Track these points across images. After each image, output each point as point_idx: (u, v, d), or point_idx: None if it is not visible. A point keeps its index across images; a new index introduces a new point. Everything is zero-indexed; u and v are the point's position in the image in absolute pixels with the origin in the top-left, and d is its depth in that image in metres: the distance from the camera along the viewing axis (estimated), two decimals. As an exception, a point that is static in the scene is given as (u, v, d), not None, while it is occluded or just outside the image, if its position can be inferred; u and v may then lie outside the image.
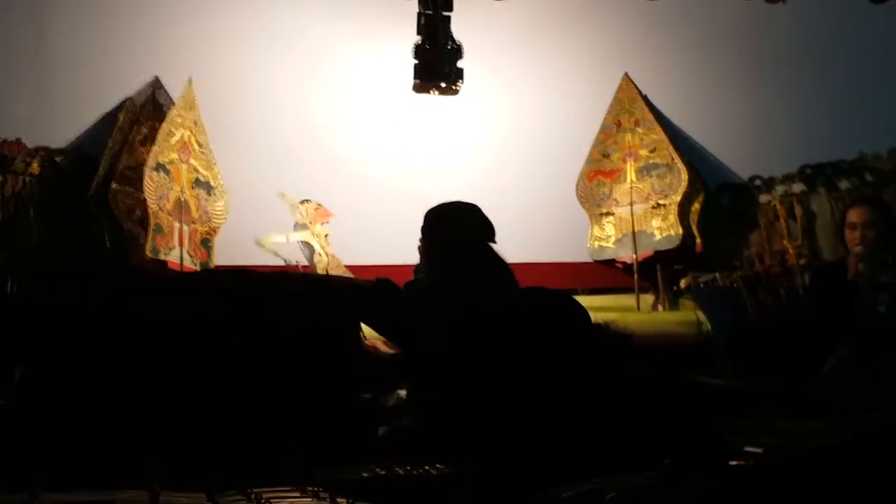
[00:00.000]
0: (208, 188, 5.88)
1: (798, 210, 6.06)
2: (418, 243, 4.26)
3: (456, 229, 3.92)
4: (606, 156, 6.28)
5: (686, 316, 5.84)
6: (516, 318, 2.79)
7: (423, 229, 4.01)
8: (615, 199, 6.21)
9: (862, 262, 4.45)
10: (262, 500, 2.14)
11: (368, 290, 3.90)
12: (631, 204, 6.12)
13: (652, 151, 6.17)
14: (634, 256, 6.04)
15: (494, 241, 3.96)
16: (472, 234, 3.90)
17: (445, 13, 5.33)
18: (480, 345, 2.93)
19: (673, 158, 6.08)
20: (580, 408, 2.48)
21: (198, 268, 5.74)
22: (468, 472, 2.51)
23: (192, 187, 5.81)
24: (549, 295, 2.82)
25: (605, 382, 2.56)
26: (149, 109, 5.94)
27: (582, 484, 2.06)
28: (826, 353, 4.33)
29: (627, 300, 6.00)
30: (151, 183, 5.64)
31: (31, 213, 5.57)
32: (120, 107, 5.86)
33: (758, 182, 6.22)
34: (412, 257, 4.31)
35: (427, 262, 3.98)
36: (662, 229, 6.06)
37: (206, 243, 5.83)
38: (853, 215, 4.60)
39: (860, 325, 4.38)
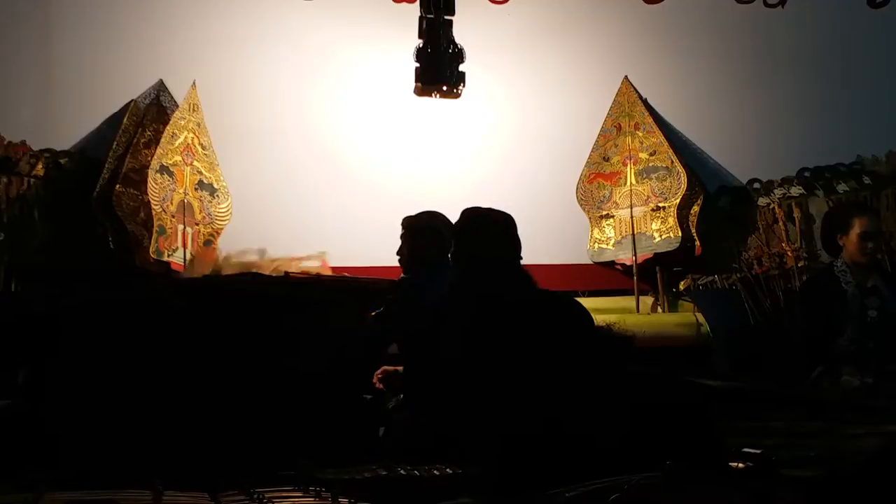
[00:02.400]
0: (211, 190, 5.91)
1: (796, 213, 6.08)
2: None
3: (494, 239, 3.90)
4: (606, 159, 6.31)
5: (685, 318, 5.86)
6: (521, 320, 2.81)
7: (461, 229, 3.98)
8: (615, 202, 6.23)
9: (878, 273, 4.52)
10: (265, 500, 2.17)
11: (383, 290, 3.92)
12: (631, 206, 6.14)
13: (652, 154, 6.19)
14: (634, 258, 6.06)
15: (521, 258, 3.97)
16: (507, 248, 3.89)
17: (447, 17, 5.33)
18: (488, 345, 2.95)
19: (672, 161, 6.10)
20: (583, 409, 2.49)
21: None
22: (471, 473, 2.52)
23: (196, 189, 5.83)
24: (552, 297, 2.84)
25: (607, 384, 2.58)
26: (153, 112, 5.96)
27: (585, 484, 2.08)
28: (817, 358, 4.37)
29: (627, 302, 6.02)
30: (155, 185, 5.65)
31: (35, 215, 5.58)
32: (124, 109, 5.89)
33: (756, 185, 6.24)
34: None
35: (454, 261, 3.97)
36: (662, 232, 6.07)
37: (208, 245, 5.85)
38: (866, 224, 4.56)
39: (855, 329, 4.41)
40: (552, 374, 2.60)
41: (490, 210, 3.95)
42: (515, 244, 3.88)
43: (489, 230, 3.88)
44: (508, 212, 3.93)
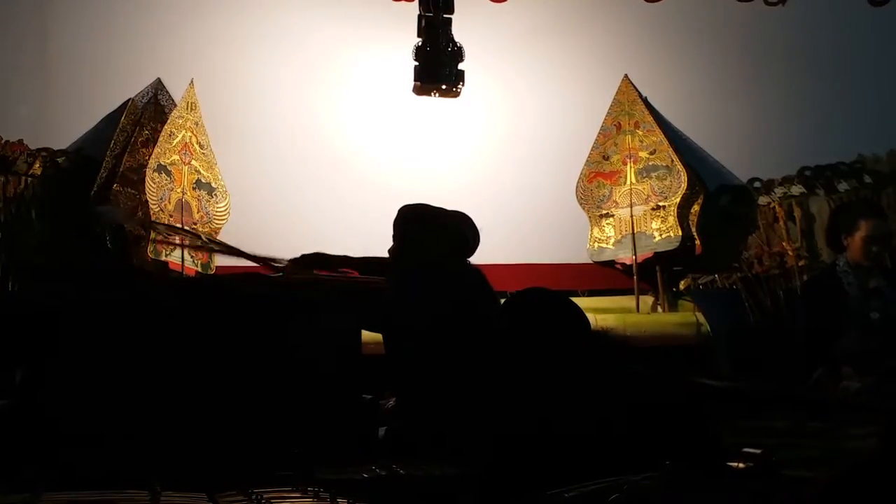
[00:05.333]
0: (210, 189, 5.90)
1: (797, 212, 6.07)
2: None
3: (430, 241, 3.90)
4: (606, 158, 6.30)
5: (685, 317, 5.86)
6: (515, 319, 2.80)
7: (399, 230, 3.99)
8: (615, 201, 6.22)
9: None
10: (263, 501, 2.16)
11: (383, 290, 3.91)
12: (630, 205, 6.13)
13: (652, 153, 6.19)
14: (634, 258, 6.05)
15: (469, 255, 3.96)
16: (446, 250, 3.88)
17: (446, 15, 5.33)
18: (479, 346, 2.94)
19: (672, 160, 6.09)
20: (581, 409, 2.48)
21: (199, 269, 5.76)
22: (471, 473, 2.51)
23: (194, 188, 5.83)
24: (547, 296, 2.83)
25: (605, 384, 2.57)
26: (151, 111, 5.96)
27: (584, 484, 2.07)
28: (818, 359, 4.34)
29: (627, 301, 6.01)
30: (153, 184, 5.66)
31: (32, 214, 5.58)
32: (122, 108, 5.89)
33: (757, 184, 6.23)
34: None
35: (396, 261, 3.97)
36: (662, 231, 6.07)
37: (208, 245, 5.85)
38: (872, 228, 4.48)
39: (857, 331, 4.38)
40: (548, 375, 2.59)
41: (434, 208, 3.95)
42: (462, 242, 3.88)
43: (433, 229, 3.88)
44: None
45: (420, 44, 5.34)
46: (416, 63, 5.33)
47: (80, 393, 3.30)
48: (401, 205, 4.11)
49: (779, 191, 6.15)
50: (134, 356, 3.36)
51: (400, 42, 5.55)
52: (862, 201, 5.67)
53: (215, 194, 5.91)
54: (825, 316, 4.44)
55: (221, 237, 5.89)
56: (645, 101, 6.29)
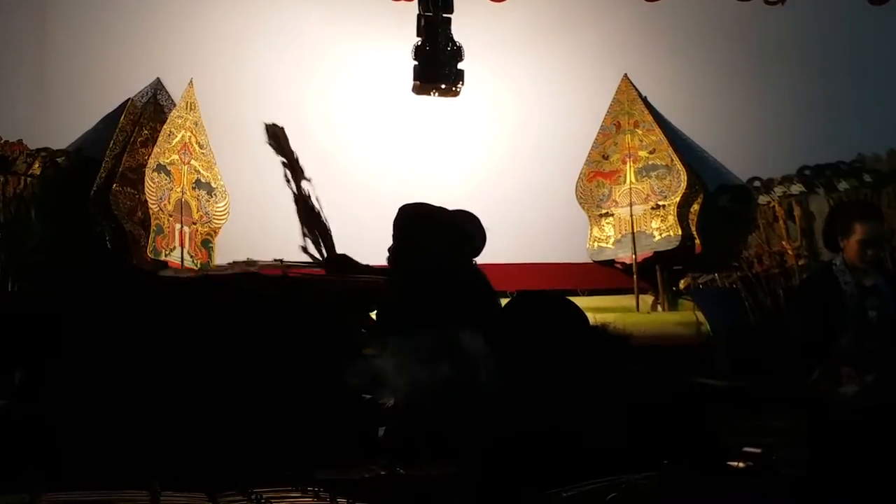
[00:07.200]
0: (209, 189, 5.91)
1: (797, 211, 6.06)
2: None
3: (431, 241, 3.89)
4: (606, 157, 6.29)
5: (685, 316, 5.85)
6: (514, 321, 2.80)
7: (399, 229, 3.98)
8: (615, 200, 6.22)
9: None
10: (263, 500, 2.16)
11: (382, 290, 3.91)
12: (630, 205, 6.13)
13: (651, 153, 6.18)
14: (634, 257, 6.05)
15: (476, 255, 3.95)
16: (446, 249, 3.87)
17: (445, 15, 5.33)
18: (479, 346, 2.94)
19: (672, 160, 6.09)
20: (580, 409, 2.48)
21: (198, 268, 5.75)
22: (469, 473, 2.51)
23: (193, 188, 5.84)
24: (546, 297, 2.83)
25: (604, 384, 2.57)
26: (150, 111, 5.97)
27: (583, 484, 2.07)
28: (817, 359, 4.32)
29: (627, 301, 6.00)
30: (152, 184, 5.67)
31: (32, 214, 5.59)
32: (121, 108, 5.90)
33: (757, 183, 6.22)
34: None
35: (396, 260, 3.97)
36: (662, 230, 6.07)
37: (206, 244, 5.86)
38: (868, 231, 4.40)
39: (854, 330, 4.36)
40: (547, 375, 2.59)
41: (434, 207, 3.94)
42: (462, 241, 3.87)
43: (433, 228, 3.87)
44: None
45: (419, 43, 5.34)
46: (416, 62, 5.33)
47: (80, 393, 3.31)
48: (399, 204, 4.10)
49: (778, 190, 6.14)
50: (134, 356, 3.36)
51: (399, 41, 5.55)
52: (858, 203, 5.63)
53: (215, 194, 5.92)
54: (822, 315, 4.42)
55: (221, 237, 5.91)
56: (644, 100, 6.29)
